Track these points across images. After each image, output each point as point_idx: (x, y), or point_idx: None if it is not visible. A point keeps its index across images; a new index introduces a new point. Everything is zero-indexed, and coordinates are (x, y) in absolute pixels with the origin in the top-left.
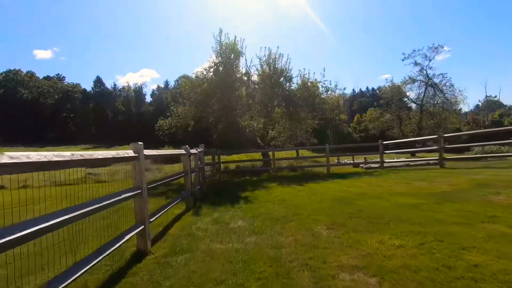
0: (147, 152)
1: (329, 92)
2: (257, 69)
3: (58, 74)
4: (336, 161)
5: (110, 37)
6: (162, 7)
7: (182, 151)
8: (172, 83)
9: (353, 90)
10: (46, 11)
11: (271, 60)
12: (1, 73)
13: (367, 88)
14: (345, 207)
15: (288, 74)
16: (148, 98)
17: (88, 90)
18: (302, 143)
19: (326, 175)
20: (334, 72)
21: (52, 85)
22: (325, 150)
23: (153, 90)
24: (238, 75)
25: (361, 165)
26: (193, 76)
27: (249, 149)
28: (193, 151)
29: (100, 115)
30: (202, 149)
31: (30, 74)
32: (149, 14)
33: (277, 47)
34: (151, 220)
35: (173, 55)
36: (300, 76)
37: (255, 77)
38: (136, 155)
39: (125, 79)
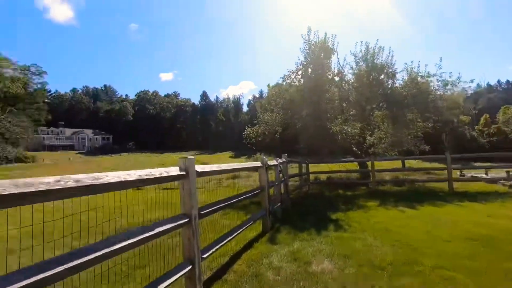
0: (201, 168)
1: (449, 87)
2: (351, 67)
3: (175, 91)
4: (459, 174)
5: (217, 56)
6: (258, 23)
7: (257, 164)
8: (265, 93)
9: (478, 84)
10: (172, 40)
11: (368, 56)
12: (136, 94)
13: (498, 81)
14: (500, 257)
15: (390, 70)
16: (245, 108)
17: (196, 104)
18: (409, 151)
19: (448, 193)
20: (448, 66)
21: (170, 101)
22: (444, 161)
23: (249, 100)
24: (329, 76)
25: (500, 181)
26: (281, 81)
27: (342, 158)
28: (272, 162)
29: (205, 125)
30: (284, 160)
31: (155, 93)
32: (248, 30)
33: (376, 40)
34: (205, 255)
35: (268, 66)
36: (407, 70)
37: (349, 77)
38: (183, 173)
39: (227, 92)
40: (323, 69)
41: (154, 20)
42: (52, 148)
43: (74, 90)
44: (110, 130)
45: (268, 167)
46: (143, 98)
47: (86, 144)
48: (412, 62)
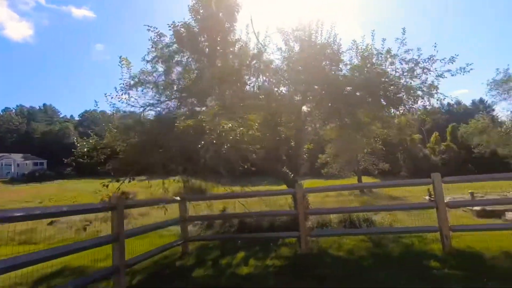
0: None
1: (418, 72)
2: (280, 49)
3: None
4: (428, 197)
5: None
6: None
7: None
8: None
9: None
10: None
11: (302, 33)
12: (80, 115)
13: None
14: None
15: (334, 51)
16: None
17: None
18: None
19: (445, 256)
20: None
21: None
22: (424, 185)
23: None
24: (235, 59)
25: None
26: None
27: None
28: None
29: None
30: None
31: (102, 113)
32: None
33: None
34: None
35: None
36: (356, 49)
37: (276, 62)
38: None
39: None
40: (225, 42)
41: (120, 40)
42: None
43: (6, 110)
44: (45, 154)
45: None
46: (88, 118)
47: (12, 170)
48: (363, 36)
